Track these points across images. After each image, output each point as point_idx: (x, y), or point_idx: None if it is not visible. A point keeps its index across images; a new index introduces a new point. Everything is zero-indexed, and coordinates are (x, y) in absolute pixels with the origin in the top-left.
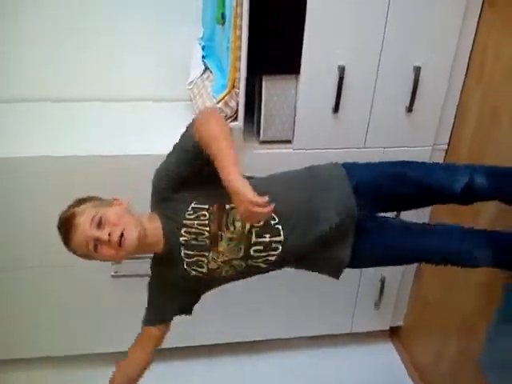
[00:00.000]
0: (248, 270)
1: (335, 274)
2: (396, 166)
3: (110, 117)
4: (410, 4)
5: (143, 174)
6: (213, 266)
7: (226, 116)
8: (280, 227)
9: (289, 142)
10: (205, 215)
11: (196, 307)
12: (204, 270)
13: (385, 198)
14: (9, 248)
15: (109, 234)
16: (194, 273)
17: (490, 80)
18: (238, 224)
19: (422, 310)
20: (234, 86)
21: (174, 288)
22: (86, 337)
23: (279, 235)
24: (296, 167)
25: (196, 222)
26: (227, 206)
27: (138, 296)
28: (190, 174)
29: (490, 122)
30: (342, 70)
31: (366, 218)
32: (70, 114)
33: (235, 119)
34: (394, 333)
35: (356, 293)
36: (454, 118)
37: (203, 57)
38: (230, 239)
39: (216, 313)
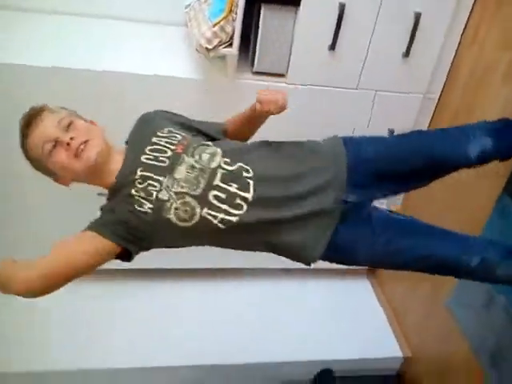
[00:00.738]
0: (201, 224)
1: (305, 259)
2: (402, 138)
3: (105, 34)
4: None
5: (134, 93)
6: (163, 195)
7: (220, 41)
8: (251, 183)
9: (282, 75)
10: (176, 137)
11: None
12: (152, 199)
13: (389, 175)
14: None
15: (71, 138)
16: (139, 204)
17: (486, 38)
18: (206, 156)
19: None
20: (231, 11)
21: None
22: None
23: (247, 191)
24: (288, 102)
25: (164, 140)
26: (203, 141)
27: None
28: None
29: (482, 78)
30: (342, 7)
31: (361, 207)
32: (68, 28)
33: (230, 45)
34: (371, 271)
35: None
36: (449, 70)
37: None
38: (192, 167)
39: None
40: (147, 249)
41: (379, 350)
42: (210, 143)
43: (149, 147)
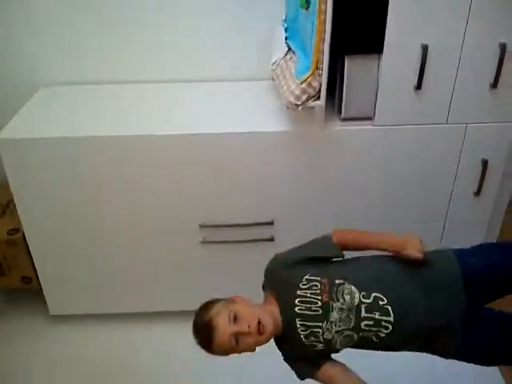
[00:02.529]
0: (361, 341)
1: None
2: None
3: (194, 97)
4: None
5: (233, 150)
6: (328, 336)
7: (308, 96)
8: (389, 308)
9: (370, 118)
10: (316, 285)
11: None
12: (321, 341)
13: (498, 288)
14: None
15: (248, 326)
16: (313, 346)
17: None
18: (348, 297)
19: None
20: (317, 68)
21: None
22: (175, 295)
23: (389, 315)
24: (377, 144)
25: (309, 291)
26: (337, 281)
27: (223, 261)
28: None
29: None
30: (425, 48)
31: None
32: (159, 95)
33: (318, 98)
34: None
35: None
36: None
37: (286, 38)
38: (341, 309)
39: None
40: None
41: None
42: (343, 281)
43: (298, 299)
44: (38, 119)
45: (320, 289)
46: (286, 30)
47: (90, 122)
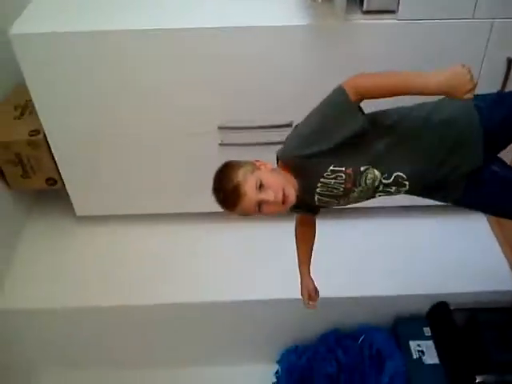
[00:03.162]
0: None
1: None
2: None
3: None
4: None
5: (248, 46)
6: (342, 204)
7: None
8: (407, 183)
9: (393, 12)
10: (341, 176)
11: None
12: (334, 205)
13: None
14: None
15: (274, 195)
16: (321, 206)
17: None
18: (370, 181)
19: None
20: None
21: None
22: (193, 197)
23: (404, 186)
24: (400, 39)
25: (333, 180)
26: (362, 168)
27: None
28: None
29: None
30: None
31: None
32: None
33: None
34: None
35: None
36: None
37: None
38: (361, 191)
39: None
40: None
41: (495, 284)
42: (368, 166)
43: (320, 184)
44: (49, 14)
45: (345, 179)
46: None
47: (108, 16)
